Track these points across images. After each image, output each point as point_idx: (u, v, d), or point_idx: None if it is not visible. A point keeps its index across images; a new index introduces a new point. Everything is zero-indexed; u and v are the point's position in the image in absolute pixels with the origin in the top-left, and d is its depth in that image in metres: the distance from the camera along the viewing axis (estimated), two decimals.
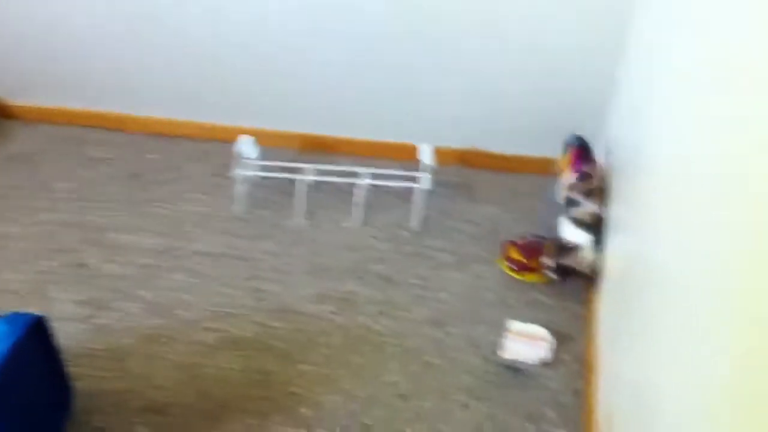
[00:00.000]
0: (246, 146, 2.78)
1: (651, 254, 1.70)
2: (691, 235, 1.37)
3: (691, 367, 1.26)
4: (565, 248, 2.38)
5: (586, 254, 2.36)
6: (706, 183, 1.31)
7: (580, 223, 2.39)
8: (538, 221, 2.51)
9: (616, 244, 2.20)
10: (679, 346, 1.36)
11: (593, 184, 2.47)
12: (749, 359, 0.98)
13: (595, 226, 2.38)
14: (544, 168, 2.84)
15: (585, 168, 2.45)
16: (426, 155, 2.70)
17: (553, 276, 2.40)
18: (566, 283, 2.41)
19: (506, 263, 2.53)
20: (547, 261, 2.41)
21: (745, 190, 1.07)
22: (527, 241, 2.55)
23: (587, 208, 2.41)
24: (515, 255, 2.52)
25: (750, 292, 1.01)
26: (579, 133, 2.61)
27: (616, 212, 2.27)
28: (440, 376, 2.22)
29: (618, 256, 2.14)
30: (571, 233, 2.39)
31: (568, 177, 2.49)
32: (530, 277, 2.49)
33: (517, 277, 2.50)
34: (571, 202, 2.45)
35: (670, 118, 1.70)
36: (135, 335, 2.34)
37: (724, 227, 1.16)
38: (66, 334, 2.32)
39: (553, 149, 2.72)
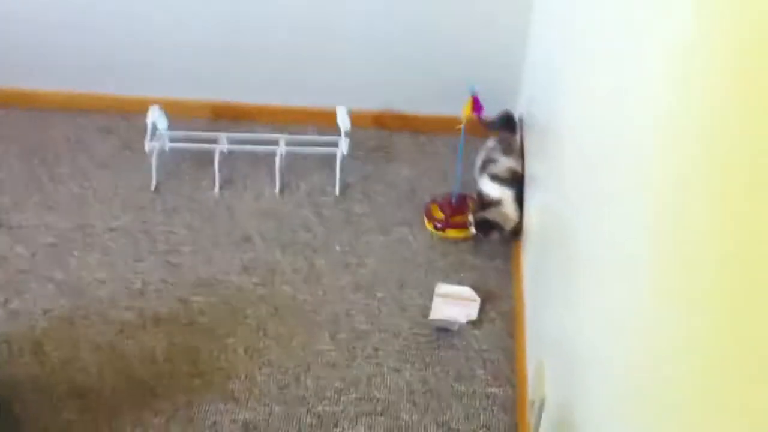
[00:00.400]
0: (156, 117, 2.68)
1: (563, 208, 1.73)
2: (596, 191, 1.40)
3: (606, 313, 1.28)
4: (486, 203, 2.39)
5: (508, 209, 2.37)
6: (605, 141, 1.34)
7: (499, 179, 2.40)
8: (457, 180, 2.51)
9: (534, 199, 2.22)
10: (594, 295, 1.38)
11: (513, 142, 2.48)
12: (655, 301, 1.00)
13: (516, 182, 2.39)
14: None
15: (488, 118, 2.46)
16: (343, 118, 2.66)
17: (475, 231, 2.41)
18: (489, 238, 2.41)
19: (429, 222, 2.52)
20: (470, 216, 2.41)
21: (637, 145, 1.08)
22: (449, 198, 2.54)
23: (506, 164, 2.42)
24: (437, 213, 2.51)
25: (653, 244, 1.04)
26: (496, 91, 2.61)
27: (534, 168, 2.29)
28: (370, 342, 2.21)
29: (537, 212, 2.16)
30: (492, 189, 2.40)
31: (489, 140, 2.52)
32: (453, 234, 2.49)
33: (441, 235, 2.49)
34: (490, 160, 2.46)
35: (577, 76, 1.72)
36: (51, 318, 2.25)
37: (626, 186, 1.18)
38: None
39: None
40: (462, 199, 2.53)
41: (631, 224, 1.16)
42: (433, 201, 2.56)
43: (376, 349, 2.19)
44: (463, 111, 2.36)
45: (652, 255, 1.04)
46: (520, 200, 2.38)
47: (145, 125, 2.68)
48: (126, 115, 2.93)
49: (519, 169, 2.42)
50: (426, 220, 2.53)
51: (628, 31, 1.27)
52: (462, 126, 2.39)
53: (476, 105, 2.35)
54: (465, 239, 2.48)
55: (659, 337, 0.98)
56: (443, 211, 2.51)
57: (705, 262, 0.83)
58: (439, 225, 2.50)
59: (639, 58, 1.17)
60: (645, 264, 1.07)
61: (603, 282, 1.33)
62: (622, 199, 1.23)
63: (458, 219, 2.49)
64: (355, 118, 2.75)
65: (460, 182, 2.52)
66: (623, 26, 1.30)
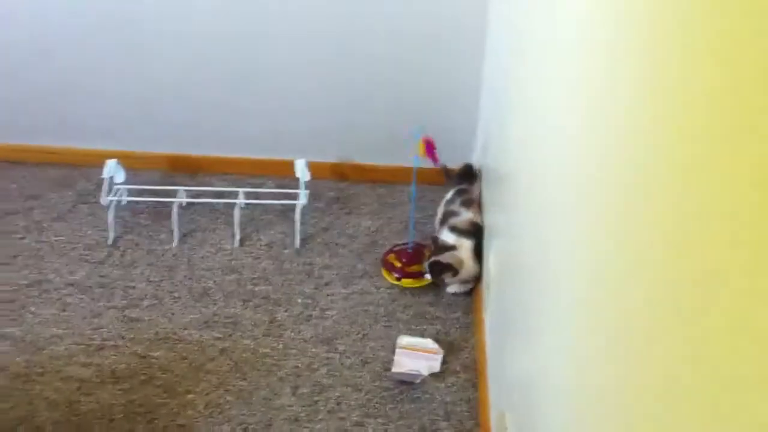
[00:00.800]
0: (113, 171, 2.67)
1: (517, 254, 1.76)
2: (549, 234, 1.43)
3: (567, 358, 1.29)
4: (441, 248, 2.41)
5: (463, 254, 2.39)
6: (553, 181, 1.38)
7: (458, 230, 2.43)
8: (411, 226, 2.53)
9: (492, 248, 2.24)
10: (554, 339, 1.40)
11: (472, 194, 2.52)
12: (611, 343, 1.02)
13: (475, 233, 2.42)
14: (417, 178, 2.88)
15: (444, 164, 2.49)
16: (302, 170, 2.67)
17: (429, 276, 2.42)
18: (443, 281, 2.42)
19: (388, 273, 2.53)
20: (425, 262, 2.43)
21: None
22: (405, 248, 2.56)
23: (466, 216, 2.45)
24: (395, 262, 2.53)
25: (605, 282, 1.06)
26: (452, 142, 2.66)
27: (491, 218, 2.32)
28: (332, 396, 2.19)
29: (495, 261, 2.19)
30: (449, 237, 2.42)
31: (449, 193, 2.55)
32: (409, 283, 2.50)
33: (398, 284, 2.50)
34: (451, 212, 2.48)
35: (521, 121, 1.77)
36: (7, 375, 2.20)
37: (581, 225, 1.21)
38: None
39: (424, 159, 2.76)
40: (418, 248, 2.54)
41: (576, 262, 1.19)
42: (390, 251, 2.58)
43: (339, 403, 2.17)
44: (418, 150, 2.40)
45: (597, 295, 1.07)
46: (479, 252, 2.40)
47: (102, 179, 2.66)
48: (82, 168, 2.91)
49: (479, 220, 2.45)
50: (384, 271, 2.54)
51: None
52: (414, 168, 2.42)
53: (428, 147, 2.38)
54: (422, 288, 2.49)
55: (618, 379, 0.99)
56: (400, 259, 2.53)
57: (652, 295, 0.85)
58: (397, 275, 2.51)
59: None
60: (592, 307, 1.09)
61: (561, 328, 1.35)
62: (566, 239, 1.26)
63: (414, 268, 2.50)
64: (314, 169, 2.77)
65: (414, 229, 2.56)
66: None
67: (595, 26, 1.15)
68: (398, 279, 2.50)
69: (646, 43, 0.90)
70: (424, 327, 2.39)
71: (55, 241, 2.64)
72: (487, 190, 2.46)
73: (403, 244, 2.60)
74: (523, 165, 1.78)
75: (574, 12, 1.30)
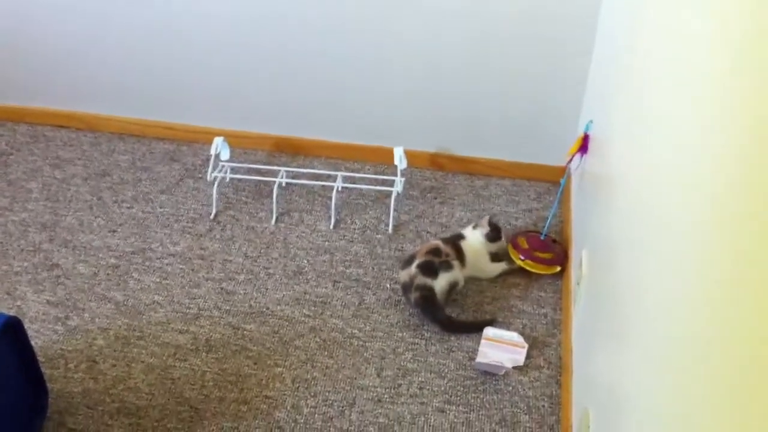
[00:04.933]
0: (219, 148, 2.77)
1: (613, 258, 1.74)
2: (647, 237, 1.42)
3: (659, 360, 1.28)
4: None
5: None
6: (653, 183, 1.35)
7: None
8: (550, 217, 2.56)
9: (586, 248, 2.23)
10: (646, 341, 1.39)
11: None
12: (707, 349, 1.01)
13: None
14: (513, 172, 2.88)
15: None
16: (400, 158, 2.71)
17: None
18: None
19: (513, 250, 2.56)
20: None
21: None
22: (538, 234, 2.61)
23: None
24: (523, 243, 2.57)
25: (703, 284, 1.05)
26: (550, 140, 2.65)
27: (583, 218, 2.30)
28: (416, 380, 2.23)
29: (588, 260, 2.17)
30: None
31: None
32: (530, 266, 2.53)
33: (521, 264, 2.54)
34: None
35: (627, 123, 1.74)
36: (107, 337, 2.32)
37: (685, 230, 1.19)
38: (38, 334, 2.31)
39: (524, 154, 2.77)
40: (549, 240, 2.59)
41: (675, 266, 1.18)
42: (523, 232, 2.62)
43: (421, 388, 2.21)
44: (571, 148, 2.43)
45: (697, 300, 1.06)
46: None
47: (209, 155, 2.77)
48: (191, 144, 3.03)
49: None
50: (510, 248, 2.57)
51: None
52: (566, 166, 2.49)
53: (585, 143, 2.38)
54: (513, 282, 2.50)
55: (710, 386, 0.99)
56: (528, 243, 2.56)
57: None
58: (521, 256, 2.54)
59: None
60: (694, 309, 1.08)
61: (651, 327, 1.34)
62: (666, 243, 1.25)
63: (539, 254, 2.53)
64: (412, 157, 2.80)
65: (550, 223, 2.61)
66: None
67: (720, 25, 1.13)
68: (522, 260, 2.53)
69: None
70: (510, 320, 2.39)
71: (161, 212, 2.75)
72: (581, 191, 2.45)
73: (537, 231, 2.63)
74: (624, 168, 1.76)
75: (699, 11, 1.29)
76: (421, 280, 2.35)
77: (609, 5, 2.35)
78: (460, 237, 2.52)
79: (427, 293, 2.34)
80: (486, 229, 2.51)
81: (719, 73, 1.09)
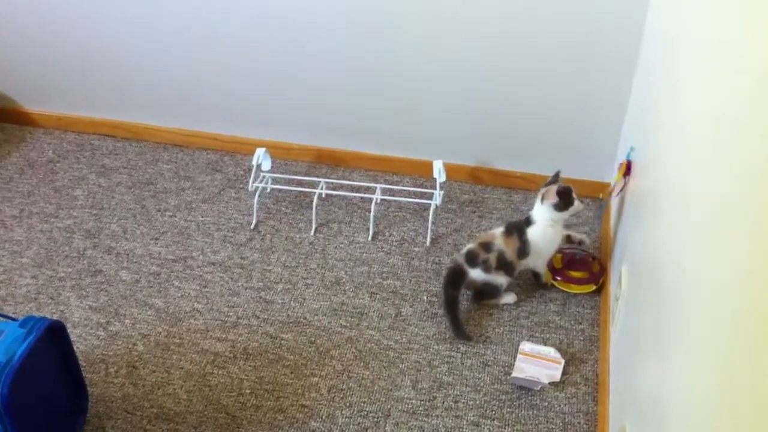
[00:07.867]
0: (261, 158, 2.81)
1: (654, 273, 1.73)
2: (689, 252, 1.41)
3: (700, 377, 1.27)
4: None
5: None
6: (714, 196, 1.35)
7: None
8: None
9: (626, 263, 2.22)
10: (687, 358, 1.38)
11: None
12: (749, 367, 1.00)
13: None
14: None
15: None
16: (438, 171, 2.72)
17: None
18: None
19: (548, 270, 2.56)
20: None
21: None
22: (573, 253, 2.60)
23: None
24: (557, 263, 2.57)
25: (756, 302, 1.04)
26: (591, 157, 2.65)
27: (625, 232, 2.29)
28: (451, 394, 2.23)
29: (627, 275, 2.16)
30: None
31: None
32: (563, 286, 2.53)
33: (553, 283, 2.54)
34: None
35: (669, 137, 1.73)
36: (147, 343, 2.36)
37: (735, 240, 1.19)
38: (80, 339, 2.35)
39: (562, 170, 2.75)
40: (586, 258, 2.58)
41: (716, 282, 1.17)
42: (558, 251, 2.57)
43: (457, 401, 2.21)
44: (615, 175, 2.43)
45: (738, 316, 1.05)
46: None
47: (251, 166, 2.81)
48: (233, 154, 3.07)
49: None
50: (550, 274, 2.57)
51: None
52: (610, 192, 2.50)
53: (627, 170, 2.37)
54: (549, 297, 2.50)
55: (757, 397, 0.98)
56: (562, 262, 2.56)
57: None
58: (554, 276, 2.54)
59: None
60: (740, 322, 1.08)
61: (693, 343, 1.33)
62: (707, 258, 1.24)
63: (572, 273, 2.53)
64: (451, 171, 2.82)
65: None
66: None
67: (761, 50, 1.13)
68: (554, 279, 2.53)
69: None
70: (547, 336, 2.39)
71: (202, 221, 2.79)
72: (622, 209, 2.44)
73: (573, 248, 2.62)
74: (665, 184, 1.75)
75: (738, 36, 1.28)
76: (460, 259, 2.44)
77: (651, 32, 2.34)
78: (528, 222, 2.43)
79: (457, 269, 2.43)
80: (554, 200, 2.39)
81: (758, 94, 1.08)
